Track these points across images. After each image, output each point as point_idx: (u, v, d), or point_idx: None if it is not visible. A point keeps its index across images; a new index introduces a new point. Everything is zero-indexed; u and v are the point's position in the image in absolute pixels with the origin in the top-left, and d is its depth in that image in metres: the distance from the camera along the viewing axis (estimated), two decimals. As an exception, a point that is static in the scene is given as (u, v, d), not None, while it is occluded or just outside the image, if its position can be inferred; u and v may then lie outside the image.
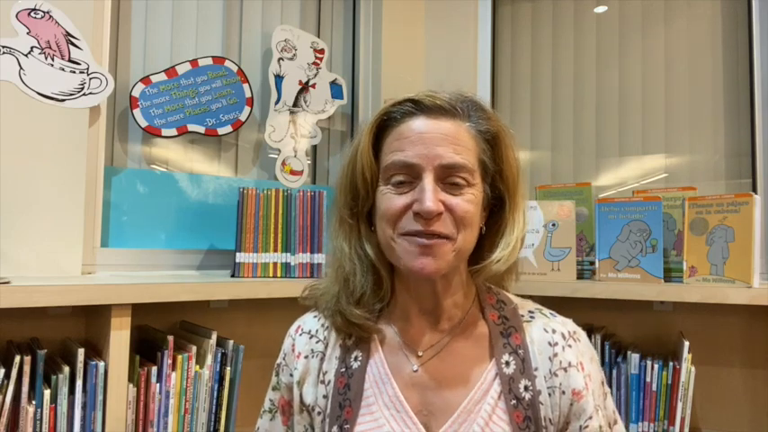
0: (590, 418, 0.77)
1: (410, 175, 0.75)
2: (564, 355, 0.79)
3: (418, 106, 0.78)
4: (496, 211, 0.82)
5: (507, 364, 0.78)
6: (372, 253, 0.81)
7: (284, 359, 0.89)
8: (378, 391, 0.79)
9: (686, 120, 1.84)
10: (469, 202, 0.75)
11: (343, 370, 0.82)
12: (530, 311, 0.84)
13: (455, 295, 0.82)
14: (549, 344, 0.80)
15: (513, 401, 0.76)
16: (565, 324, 0.83)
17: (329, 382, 0.82)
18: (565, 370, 0.78)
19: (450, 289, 0.81)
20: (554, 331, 0.81)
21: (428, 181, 0.73)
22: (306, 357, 0.86)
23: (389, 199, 0.76)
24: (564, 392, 0.77)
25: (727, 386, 1.55)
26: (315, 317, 0.90)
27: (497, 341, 0.80)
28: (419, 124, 0.77)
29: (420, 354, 0.81)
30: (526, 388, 0.77)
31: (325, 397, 0.82)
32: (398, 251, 0.76)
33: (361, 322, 0.81)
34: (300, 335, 0.89)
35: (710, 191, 1.74)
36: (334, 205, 0.86)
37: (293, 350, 0.88)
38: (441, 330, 0.82)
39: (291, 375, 0.87)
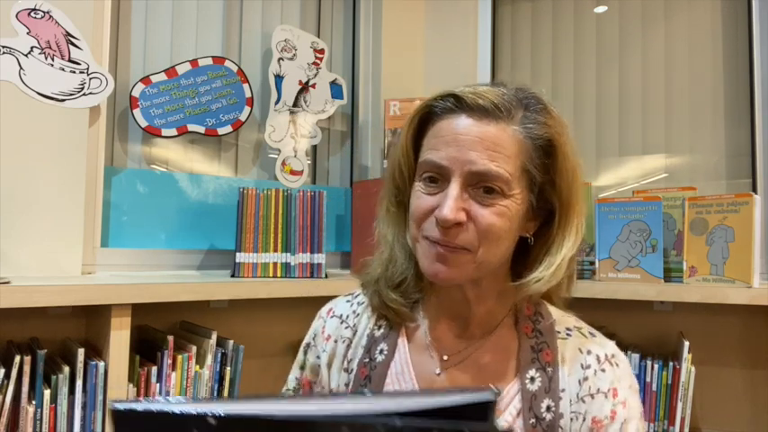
0: None
1: (441, 176, 0.71)
2: (595, 379, 0.72)
3: (460, 103, 0.72)
4: (548, 221, 0.76)
5: (532, 380, 0.73)
6: (412, 247, 0.78)
7: (313, 339, 0.88)
8: (398, 388, 0.78)
9: (686, 120, 1.84)
10: (499, 214, 0.69)
11: (367, 360, 0.80)
12: (567, 329, 0.78)
13: (488, 303, 0.78)
14: (582, 366, 0.74)
15: (533, 420, 0.71)
16: (603, 346, 0.76)
17: (352, 370, 0.81)
18: (592, 396, 0.72)
19: (482, 297, 0.77)
20: (589, 353, 0.75)
21: (453, 187, 0.69)
22: (335, 341, 0.84)
23: (419, 198, 0.73)
24: (585, 419, 0.72)
25: (727, 386, 1.55)
26: (347, 301, 0.89)
27: (526, 355, 0.75)
28: (457, 124, 0.71)
29: (445, 358, 0.78)
30: (548, 408, 0.72)
31: (347, 385, 0.81)
32: (419, 253, 0.74)
33: (396, 306, 0.80)
34: (331, 317, 0.87)
35: (710, 191, 1.73)
36: (382, 191, 0.84)
37: (323, 332, 0.86)
38: (469, 337, 0.78)
39: (318, 357, 0.85)
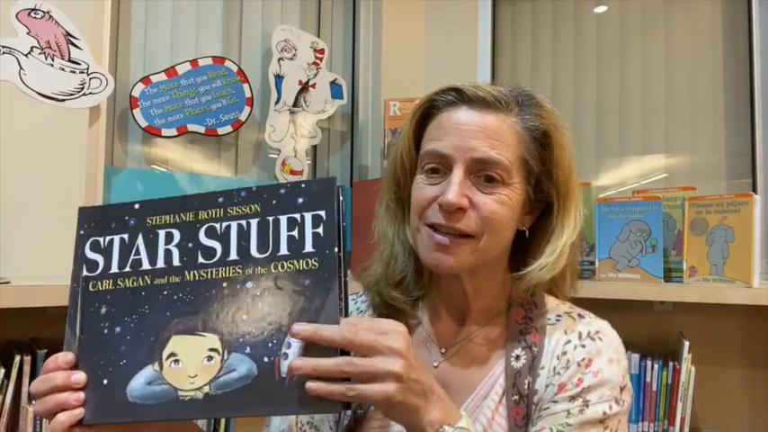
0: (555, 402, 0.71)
1: (443, 166, 0.74)
2: (573, 353, 0.74)
3: (461, 96, 0.75)
4: (544, 215, 0.79)
5: (517, 358, 0.75)
6: (413, 240, 0.80)
7: None
8: None
9: (686, 120, 1.84)
10: (500, 202, 0.72)
11: None
12: (557, 315, 0.79)
13: (486, 296, 0.80)
14: (564, 343, 0.75)
15: (516, 397, 0.73)
16: (590, 324, 0.78)
17: None
18: (566, 368, 0.73)
19: (479, 289, 0.79)
20: (573, 331, 0.76)
21: (457, 174, 0.71)
22: None
23: (420, 189, 0.75)
24: (554, 387, 0.73)
25: (727, 386, 1.55)
26: (353, 300, 0.89)
27: (513, 336, 0.77)
28: (459, 115, 0.74)
29: (443, 351, 0.80)
30: (529, 385, 0.74)
31: None
32: (419, 242, 0.75)
33: (398, 305, 0.80)
34: None
35: (710, 191, 1.73)
36: (382, 189, 0.85)
37: None
38: (466, 329, 0.80)
39: None
